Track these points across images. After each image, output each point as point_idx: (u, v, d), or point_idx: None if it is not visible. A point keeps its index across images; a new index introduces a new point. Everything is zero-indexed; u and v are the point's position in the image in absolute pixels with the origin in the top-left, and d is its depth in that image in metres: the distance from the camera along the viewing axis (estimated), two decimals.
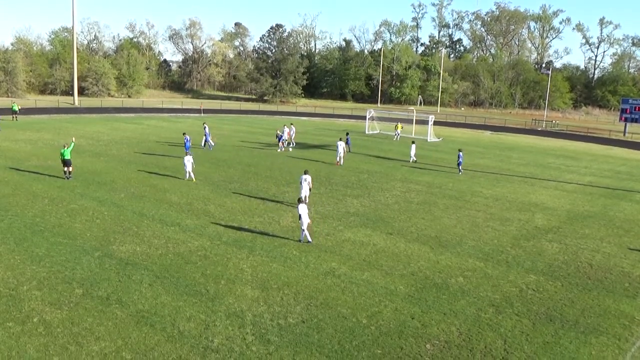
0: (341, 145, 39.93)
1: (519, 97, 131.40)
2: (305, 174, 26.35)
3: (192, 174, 31.18)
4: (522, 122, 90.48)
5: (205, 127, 45.00)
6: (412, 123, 64.27)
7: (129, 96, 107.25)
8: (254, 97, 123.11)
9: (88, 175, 31.41)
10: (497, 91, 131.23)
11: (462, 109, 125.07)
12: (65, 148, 29.93)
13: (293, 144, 48.44)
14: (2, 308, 14.28)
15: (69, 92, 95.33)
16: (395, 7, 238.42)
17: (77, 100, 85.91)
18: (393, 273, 18.01)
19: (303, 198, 24.46)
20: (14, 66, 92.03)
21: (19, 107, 63.70)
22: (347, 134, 44.76)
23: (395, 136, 58.22)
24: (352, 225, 23.64)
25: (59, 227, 21.44)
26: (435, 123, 65.63)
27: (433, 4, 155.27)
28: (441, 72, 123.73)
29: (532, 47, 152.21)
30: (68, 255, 18.32)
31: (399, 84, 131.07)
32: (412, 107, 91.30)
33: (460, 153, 38.34)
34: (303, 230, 20.50)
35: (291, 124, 49.96)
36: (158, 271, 17.22)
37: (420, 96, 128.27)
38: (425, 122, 62.90)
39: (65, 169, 29.90)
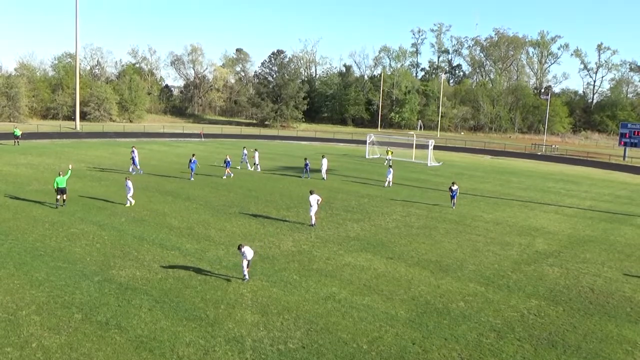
0: (324, 162, 44.68)
1: (518, 121, 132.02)
2: (312, 194, 27.50)
3: (130, 199, 30.27)
4: (521, 146, 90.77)
5: (133, 151, 43.43)
6: (412, 147, 64.49)
7: (131, 121, 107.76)
8: (254, 121, 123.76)
9: (88, 200, 31.44)
10: (496, 116, 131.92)
11: (462, 133, 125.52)
12: (62, 175, 29.17)
13: (258, 168, 47.96)
14: (0, 333, 14.20)
15: (70, 117, 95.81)
16: (394, 33, 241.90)
17: (78, 125, 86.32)
18: (394, 298, 17.92)
19: (313, 217, 27.42)
20: (17, 91, 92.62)
21: (21, 132, 64.02)
22: (306, 159, 44.54)
23: (387, 161, 57.62)
24: (353, 249, 23.59)
25: (59, 251, 21.41)
26: (435, 147, 65.89)
27: (432, 30, 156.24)
28: (441, 97, 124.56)
29: (531, 72, 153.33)
30: (68, 279, 18.26)
31: (398, 109, 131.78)
32: (412, 132, 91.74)
33: (455, 187, 34.00)
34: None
35: (255, 149, 50.92)
36: (158, 296, 17.15)
37: (420, 121, 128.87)
38: (425, 147, 63.15)
39: (59, 196, 28.90)
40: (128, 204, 30.08)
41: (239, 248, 18.71)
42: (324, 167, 44.91)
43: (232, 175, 42.63)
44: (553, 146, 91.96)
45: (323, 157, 46.94)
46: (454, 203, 33.93)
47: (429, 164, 59.49)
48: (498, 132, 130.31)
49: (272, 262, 21.19)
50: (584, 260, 23.61)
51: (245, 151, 50.29)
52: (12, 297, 16.57)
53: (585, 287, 19.92)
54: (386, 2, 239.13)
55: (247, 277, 18.85)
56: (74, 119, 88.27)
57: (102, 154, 56.12)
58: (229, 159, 43.47)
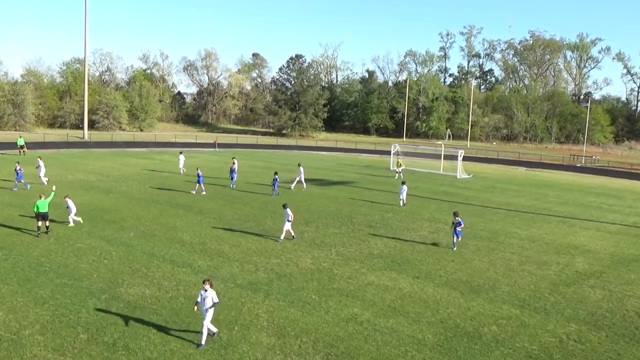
0: (301, 171, 44.97)
1: (555, 130, 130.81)
2: (285, 207, 27.36)
3: (73, 218, 28.79)
4: (559, 157, 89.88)
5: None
6: (440, 158, 64.23)
7: (141, 130, 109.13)
8: (271, 130, 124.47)
9: (96, 213, 31.80)
10: (531, 124, 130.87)
11: (494, 143, 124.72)
12: (43, 198, 26.37)
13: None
14: (2, 354, 14.35)
15: (78, 126, 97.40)
16: (421, 37, 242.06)
17: (86, 134, 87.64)
18: (420, 320, 17.76)
19: (284, 231, 27.27)
20: (23, 99, 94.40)
21: (25, 141, 65.00)
22: (276, 173, 42.98)
23: (397, 175, 57.13)
24: (376, 267, 23.47)
25: (65, 267, 21.64)
26: (465, 158, 65.49)
27: (462, 33, 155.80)
28: (471, 104, 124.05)
29: (569, 77, 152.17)
30: (73, 297, 18.43)
31: (425, 117, 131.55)
32: (439, 142, 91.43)
33: (458, 218, 27.20)
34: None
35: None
36: (168, 316, 17.21)
37: (448, 130, 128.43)
38: (454, 158, 62.82)
39: (41, 223, 26.21)
40: (72, 223, 28.47)
41: (205, 283, 15.49)
42: (301, 177, 44.84)
43: (204, 192, 40.33)
44: (593, 157, 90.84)
45: (299, 165, 46.97)
46: (455, 243, 27.13)
47: (458, 176, 59.14)
48: (533, 142, 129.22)
49: (290, 281, 21.16)
50: (628, 281, 23.18)
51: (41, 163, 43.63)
52: (15, 315, 16.76)
53: (630, 311, 19.55)
54: (412, 3, 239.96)
55: (203, 342, 15.19)
56: (82, 128, 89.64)
57: (111, 164, 56.83)
58: (200, 173, 40.58)
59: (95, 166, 54.48)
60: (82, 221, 28.96)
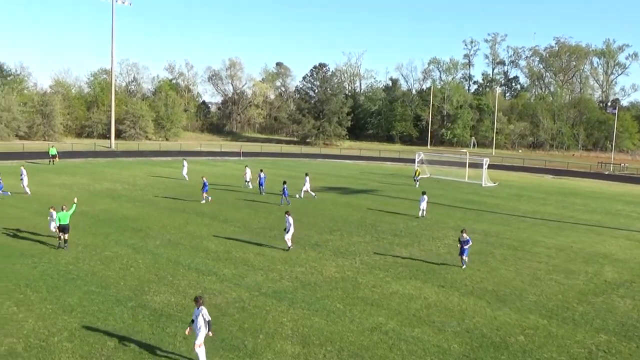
0: (307, 180, 44.58)
1: (582, 138, 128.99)
2: (287, 214, 27.37)
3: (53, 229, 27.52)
4: (586, 165, 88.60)
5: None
6: (465, 166, 63.75)
7: (167, 139, 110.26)
8: (295, 139, 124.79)
9: (123, 221, 32.19)
10: (558, 132, 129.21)
11: (520, 151, 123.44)
12: (64, 211, 25.94)
13: (250, 185, 48.44)
14: None
15: (105, 135, 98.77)
16: (445, 44, 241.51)
17: (113, 143, 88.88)
18: (446, 330, 17.60)
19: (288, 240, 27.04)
20: (52, 109, 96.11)
21: (57, 151, 66.14)
22: (284, 182, 42.51)
23: (415, 183, 56.32)
24: (401, 276, 23.35)
25: (92, 275, 21.93)
26: (490, 166, 64.88)
27: (486, 40, 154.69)
28: (496, 111, 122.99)
29: (596, 84, 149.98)
30: (101, 305, 18.66)
31: (449, 125, 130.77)
32: (464, 149, 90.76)
33: (466, 236, 25.31)
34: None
35: (246, 166, 52.06)
36: None
37: (473, 138, 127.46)
38: (479, 166, 62.28)
39: (61, 235, 25.82)
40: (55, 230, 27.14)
41: (196, 301, 14.89)
42: (306, 186, 44.56)
43: (209, 199, 40.37)
44: (622, 165, 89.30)
45: (306, 175, 46.57)
46: (464, 261, 25.26)
47: (483, 184, 58.61)
48: (560, 149, 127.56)
49: (314, 289, 21.15)
50: None
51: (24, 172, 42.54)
52: (44, 322, 17.01)
53: None
54: (436, 11, 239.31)
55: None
56: (109, 137, 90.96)
57: (137, 173, 57.49)
58: (205, 180, 40.74)
59: (121, 175, 55.18)
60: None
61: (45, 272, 22.07)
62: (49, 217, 27.88)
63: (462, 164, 65.86)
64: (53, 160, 63.73)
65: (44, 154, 66.17)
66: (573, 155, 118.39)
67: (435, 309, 19.54)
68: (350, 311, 18.96)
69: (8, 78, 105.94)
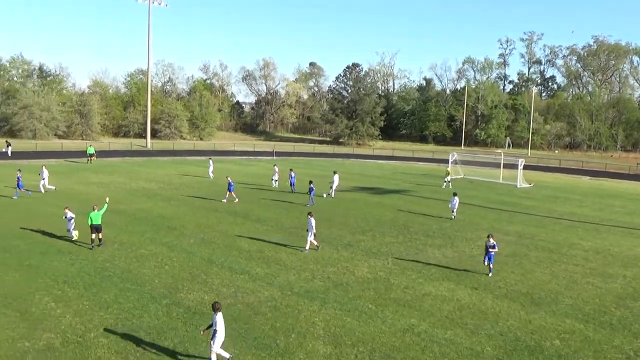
0: (335, 179, 44.72)
1: (621, 138, 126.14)
2: (310, 216, 27.05)
3: (72, 232, 27.27)
4: (625, 166, 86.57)
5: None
6: (500, 167, 62.96)
7: (201, 138, 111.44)
8: (328, 139, 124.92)
9: (158, 220, 32.66)
10: (595, 132, 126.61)
11: (556, 151, 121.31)
12: (96, 210, 26.10)
13: (276, 184, 49.38)
14: (69, 355, 14.89)
15: (141, 135, 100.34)
16: (479, 44, 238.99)
17: (149, 143, 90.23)
18: (479, 332, 17.41)
19: (309, 241, 26.87)
20: (90, 109, 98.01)
21: (95, 150, 67.41)
22: (310, 182, 40.92)
23: (445, 184, 55.50)
24: (434, 278, 23.17)
25: (128, 272, 22.30)
26: (525, 167, 63.98)
27: (522, 40, 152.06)
28: (532, 111, 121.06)
29: (636, 83, 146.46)
30: (136, 302, 18.96)
31: (484, 125, 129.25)
32: (499, 150, 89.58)
33: (492, 241, 24.00)
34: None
35: (274, 165, 52.72)
36: (225, 322, 17.36)
37: (508, 138, 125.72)
38: (514, 166, 61.46)
39: (94, 235, 25.93)
40: (74, 237, 27.04)
41: (214, 307, 14.78)
42: (335, 184, 44.57)
43: (237, 199, 40.25)
44: None
45: (335, 173, 46.13)
46: (490, 268, 23.94)
47: (518, 185, 57.78)
48: (597, 150, 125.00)
49: (346, 290, 21.14)
50: None
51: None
52: (81, 318, 17.36)
53: None
54: (470, 10, 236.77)
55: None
56: (145, 137, 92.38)
57: (172, 172, 58.28)
58: (230, 180, 40.39)
59: (157, 174, 55.99)
60: (76, 236, 27.13)
61: (82, 269, 22.53)
62: (64, 217, 27.53)
63: (496, 165, 65.08)
64: (91, 159, 65.02)
65: (82, 153, 67.58)
66: (611, 156, 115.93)
67: (468, 311, 19.34)
68: (383, 312, 18.89)
69: (48, 78, 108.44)
